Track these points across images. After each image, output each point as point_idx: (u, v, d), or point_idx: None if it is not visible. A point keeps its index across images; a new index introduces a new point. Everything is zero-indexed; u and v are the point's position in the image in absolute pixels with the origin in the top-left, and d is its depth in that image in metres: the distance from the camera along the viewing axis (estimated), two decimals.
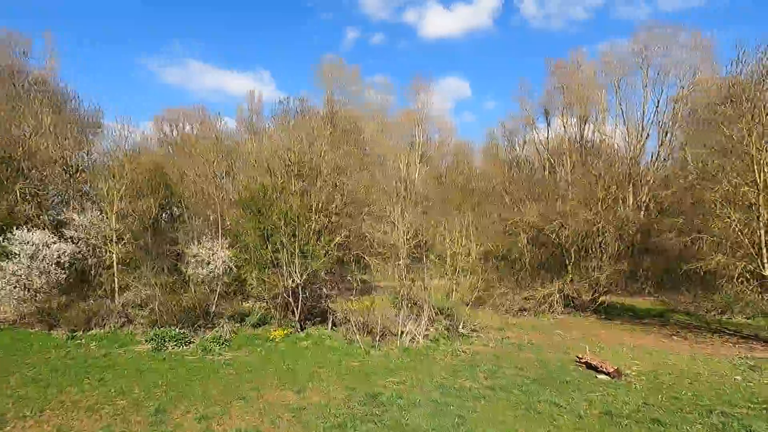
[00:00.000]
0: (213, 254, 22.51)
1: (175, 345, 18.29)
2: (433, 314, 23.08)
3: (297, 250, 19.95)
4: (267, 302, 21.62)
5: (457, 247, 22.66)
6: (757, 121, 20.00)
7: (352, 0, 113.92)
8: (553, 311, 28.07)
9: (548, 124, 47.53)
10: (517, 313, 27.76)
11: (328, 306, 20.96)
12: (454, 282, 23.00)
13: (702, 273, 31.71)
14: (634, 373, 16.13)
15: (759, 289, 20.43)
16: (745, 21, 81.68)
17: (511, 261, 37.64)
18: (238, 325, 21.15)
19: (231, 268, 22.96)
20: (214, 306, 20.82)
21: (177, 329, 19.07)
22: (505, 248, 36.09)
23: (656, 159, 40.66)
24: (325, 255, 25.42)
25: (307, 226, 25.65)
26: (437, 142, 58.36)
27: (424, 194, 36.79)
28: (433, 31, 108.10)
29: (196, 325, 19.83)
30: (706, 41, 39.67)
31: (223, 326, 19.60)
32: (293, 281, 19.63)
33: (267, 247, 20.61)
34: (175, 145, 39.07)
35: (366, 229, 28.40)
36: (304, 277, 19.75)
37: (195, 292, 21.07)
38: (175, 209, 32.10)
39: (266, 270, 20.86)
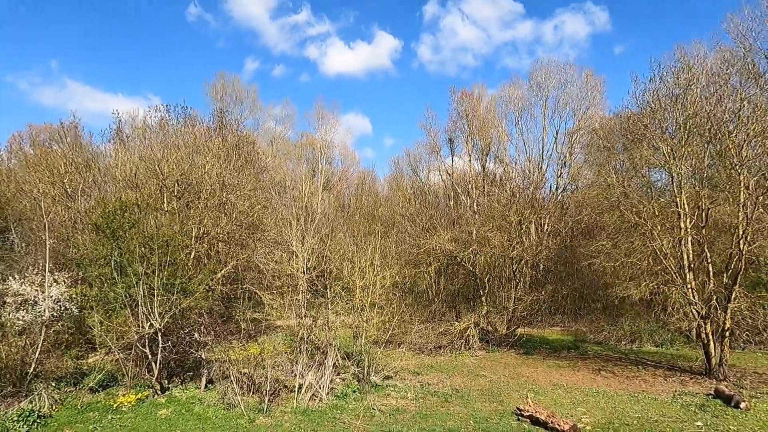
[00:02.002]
0: (43, 292, 16.16)
1: None
2: (340, 360, 18.47)
3: (158, 284, 14.43)
4: (119, 355, 15.59)
5: (368, 277, 18.48)
6: (678, 140, 18.48)
7: (251, 31, 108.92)
8: (470, 347, 24.68)
9: (452, 153, 45.97)
10: (432, 351, 23.94)
11: (202, 357, 15.48)
12: (363, 319, 18.66)
13: (611, 301, 30.60)
14: (588, 428, 12.74)
15: (687, 317, 18.48)
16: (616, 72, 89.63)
17: (418, 293, 34.27)
18: (71, 389, 14.87)
19: (70, 310, 16.68)
20: (34, 364, 14.41)
21: None
22: (411, 279, 32.71)
23: (556, 188, 40.29)
24: (208, 290, 20.01)
25: (185, 254, 20.12)
26: (341, 171, 54.68)
27: (328, 221, 32.42)
28: (334, 68, 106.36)
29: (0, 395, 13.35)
30: (597, 79, 40.67)
31: (41, 393, 13.32)
32: (150, 325, 14.01)
33: (118, 282, 14.81)
34: (24, 161, 31.07)
35: (259, 259, 23.25)
36: (166, 319, 14.20)
37: (6, 345, 14.52)
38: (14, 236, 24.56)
39: (115, 312, 14.99)
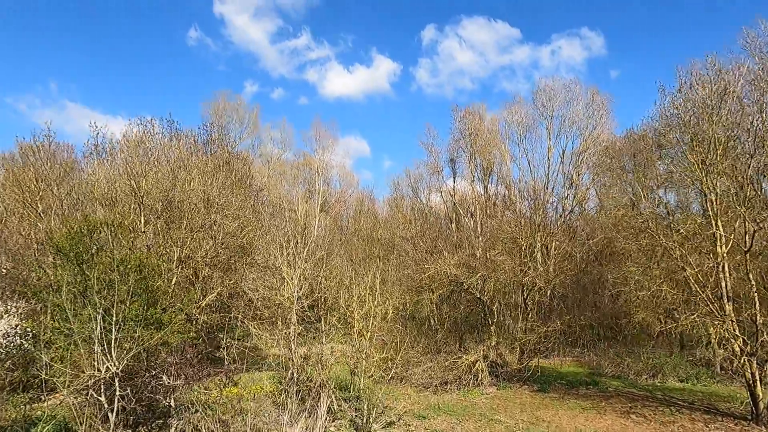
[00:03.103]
0: None
1: None
2: (335, 402, 15.89)
3: (119, 317, 11.97)
4: (72, 401, 13.01)
5: (368, 306, 16.08)
6: (712, 154, 16.35)
7: (251, 55, 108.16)
8: (480, 383, 22.04)
9: (454, 173, 43.95)
10: (438, 388, 21.32)
11: (171, 404, 12.92)
12: (363, 356, 16.17)
13: (630, 331, 28.10)
14: None
15: (732, 354, 16.04)
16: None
17: (419, 321, 31.81)
18: None
19: (21, 346, 14.19)
20: None
21: None
22: (411, 306, 30.32)
23: (563, 209, 38.13)
24: (189, 320, 17.62)
25: (163, 280, 17.74)
26: (339, 192, 52.54)
27: (324, 243, 30.06)
28: (333, 91, 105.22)
29: None
30: (603, 98, 38.96)
31: None
32: (107, 368, 11.51)
33: (69, 315, 12.34)
34: None
35: (247, 285, 20.82)
36: (125, 361, 11.71)
37: None
38: None
39: (69, 349, 12.50)
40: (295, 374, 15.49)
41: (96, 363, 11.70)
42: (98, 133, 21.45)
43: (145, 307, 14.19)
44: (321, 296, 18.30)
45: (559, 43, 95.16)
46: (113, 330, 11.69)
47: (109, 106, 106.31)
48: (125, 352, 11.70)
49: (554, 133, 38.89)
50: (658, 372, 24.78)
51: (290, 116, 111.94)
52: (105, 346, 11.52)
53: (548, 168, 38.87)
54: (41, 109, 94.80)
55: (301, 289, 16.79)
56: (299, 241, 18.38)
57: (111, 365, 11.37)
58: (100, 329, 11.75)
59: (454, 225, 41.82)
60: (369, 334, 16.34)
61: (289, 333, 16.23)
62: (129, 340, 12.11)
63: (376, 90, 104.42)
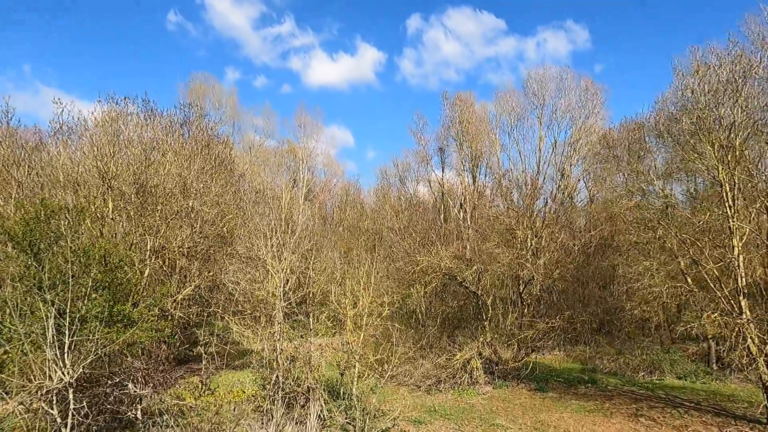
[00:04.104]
0: None
1: None
2: (324, 407, 14.31)
3: (73, 316, 10.13)
4: (21, 413, 11.16)
5: (361, 303, 14.51)
6: (731, 139, 15.13)
7: (233, 41, 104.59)
8: (475, 382, 20.73)
9: (443, 163, 42.51)
10: (432, 388, 20.00)
11: (137, 416, 11.17)
12: (356, 356, 14.61)
13: (625, 326, 27.12)
14: None
15: (758, 355, 14.91)
16: None
17: (407, 315, 30.40)
18: None
19: None
20: None
21: None
22: (400, 300, 28.88)
23: (553, 200, 36.96)
24: (164, 317, 15.92)
25: (133, 272, 15.91)
26: (324, 181, 50.64)
27: (312, 234, 28.29)
28: (317, 79, 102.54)
29: None
30: (597, 87, 37.79)
31: None
32: (60, 378, 9.69)
33: (14, 314, 10.46)
34: None
35: (228, 277, 19.03)
36: (81, 369, 9.89)
37: None
38: None
39: (15, 353, 10.63)
40: (280, 377, 13.86)
41: (47, 371, 9.88)
42: (62, 111, 19.21)
43: (111, 304, 12.43)
44: (309, 291, 16.64)
45: (544, 35, 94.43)
46: (67, 332, 9.85)
47: (85, 92, 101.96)
48: (82, 357, 9.89)
49: (545, 122, 37.67)
50: (656, 369, 23.87)
51: (273, 104, 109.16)
52: (57, 350, 9.68)
53: (539, 158, 37.71)
54: (14, 93, 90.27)
55: (287, 283, 15.10)
56: (285, 230, 16.66)
57: (64, 374, 9.55)
58: (53, 331, 9.90)
59: (442, 216, 40.42)
60: (362, 333, 14.78)
61: (274, 332, 14.56)
62: (88, 342, 10.29)
63: (361, 79, 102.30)
